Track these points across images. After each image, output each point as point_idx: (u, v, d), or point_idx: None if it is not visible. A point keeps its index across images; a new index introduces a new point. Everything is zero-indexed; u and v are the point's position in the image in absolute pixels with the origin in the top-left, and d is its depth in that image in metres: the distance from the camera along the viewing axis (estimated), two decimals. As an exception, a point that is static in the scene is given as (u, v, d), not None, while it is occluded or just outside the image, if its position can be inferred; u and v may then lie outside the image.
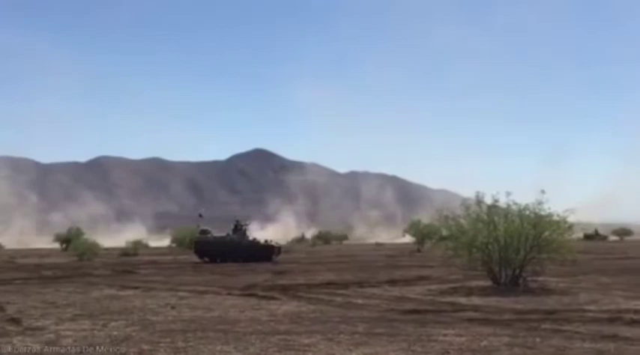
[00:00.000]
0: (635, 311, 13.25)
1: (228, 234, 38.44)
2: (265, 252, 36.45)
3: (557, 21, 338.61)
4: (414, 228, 54.38)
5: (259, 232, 57.95)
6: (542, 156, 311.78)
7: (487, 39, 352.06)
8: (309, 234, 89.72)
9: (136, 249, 50.91)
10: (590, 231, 73.03)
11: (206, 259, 36.27)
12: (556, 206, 18.91)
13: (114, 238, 69.11)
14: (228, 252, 35.69)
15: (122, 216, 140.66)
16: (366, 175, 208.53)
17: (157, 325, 12.20)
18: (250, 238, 38.62)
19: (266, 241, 39.41)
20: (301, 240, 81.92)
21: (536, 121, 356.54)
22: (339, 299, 16.38)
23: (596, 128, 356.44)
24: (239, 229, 38.46)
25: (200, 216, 41.74)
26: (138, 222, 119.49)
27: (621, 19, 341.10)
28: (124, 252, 49.03)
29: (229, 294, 17.99)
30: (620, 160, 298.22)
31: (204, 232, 39.08)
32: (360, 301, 15.87)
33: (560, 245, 18.65)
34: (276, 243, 39.84)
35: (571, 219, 18.91)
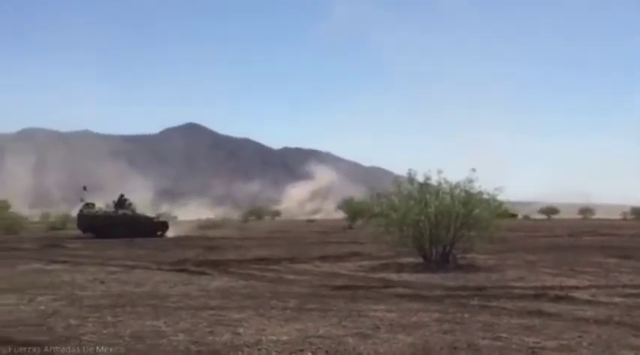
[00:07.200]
0: (560, 288, 13.57)
1: (116, 208, 38.16)
2: (156, 227, 37.41)
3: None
4: (347, 205, 54.91)
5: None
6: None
7: None
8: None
9: (64, 223, 49.89)
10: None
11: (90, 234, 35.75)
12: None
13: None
14: (118, 227, 35.55)
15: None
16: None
17: (85, 300, 11.96)
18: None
19: (157, 216, 41.75)
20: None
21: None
22: (270, 274, 16.32)
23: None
24: (123, 203, 38.57)
25: (84, 188, 39.11)
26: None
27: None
28: (52, 226, 48.01)
29: (159, 269, 17.78)
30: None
31: (89, 206, 38.18)
32: (291, 277, 15.84)
33: (489, 223, 18.92)
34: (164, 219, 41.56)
35: (500, 197, 19.24)
